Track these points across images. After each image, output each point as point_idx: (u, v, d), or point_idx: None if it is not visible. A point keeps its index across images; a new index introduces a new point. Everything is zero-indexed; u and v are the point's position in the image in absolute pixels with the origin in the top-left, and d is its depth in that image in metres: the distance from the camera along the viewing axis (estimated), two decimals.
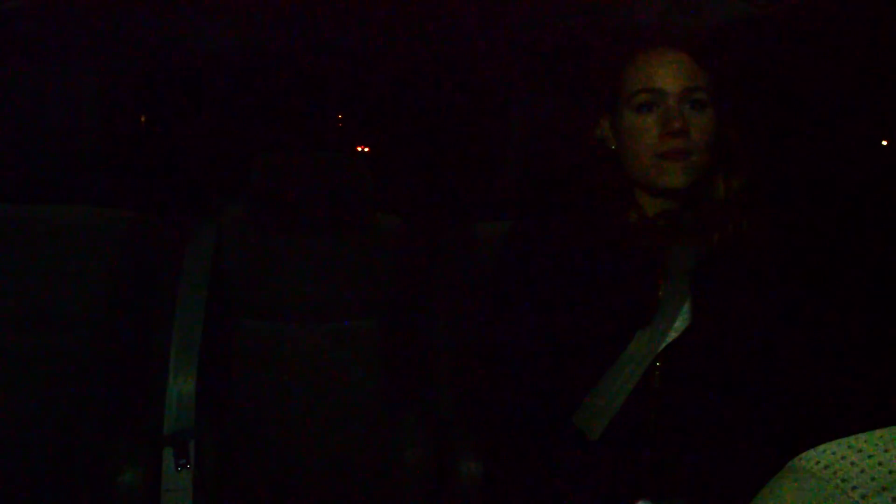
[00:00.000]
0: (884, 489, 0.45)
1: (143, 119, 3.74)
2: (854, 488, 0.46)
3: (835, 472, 0.47)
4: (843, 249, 1.96)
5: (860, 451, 0.48)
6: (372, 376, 1.91)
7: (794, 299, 1.36)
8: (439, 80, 3.05)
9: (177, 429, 1.76)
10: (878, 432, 0.50)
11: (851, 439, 0.50)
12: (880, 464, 0.47)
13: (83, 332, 1.68)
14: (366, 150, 4.24)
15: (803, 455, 0.51)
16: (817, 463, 0.49)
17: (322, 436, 1.89)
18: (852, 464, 0.47)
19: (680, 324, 1.33)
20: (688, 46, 1.28)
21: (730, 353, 1.33)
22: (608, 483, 1.27)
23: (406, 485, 1.92)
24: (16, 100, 1.73)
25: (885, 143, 2.34)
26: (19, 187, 1.74)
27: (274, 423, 1.88)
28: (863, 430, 0.51)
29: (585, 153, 1.41)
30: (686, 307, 1.34)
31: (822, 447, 0.50)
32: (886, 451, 0.48)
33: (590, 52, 2.01)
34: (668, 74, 1.28)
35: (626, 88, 1.31)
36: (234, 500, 1.87)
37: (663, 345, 1.32)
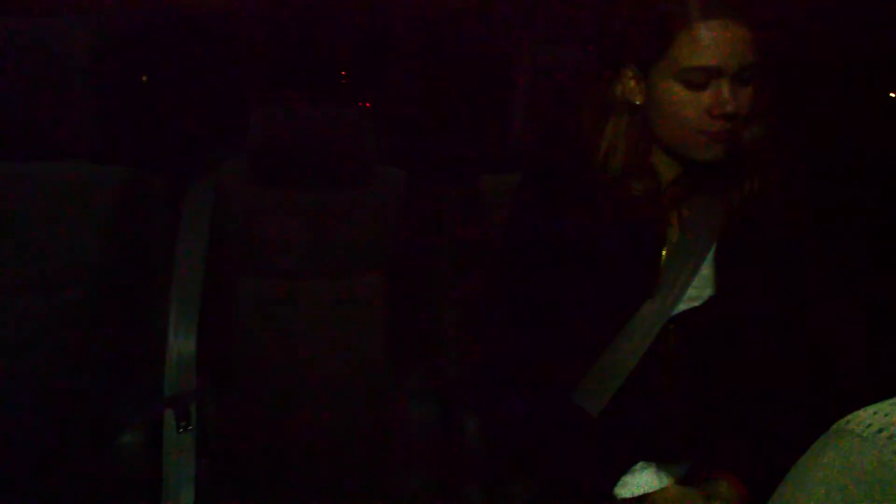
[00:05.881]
0: None
1: (144, 78, 3.68)
2: None
3: (889, 437, 0.42)
4: (873, 209, 1.90)
5: None
6: (376, 332, 1.88)
7: (820, 262, 1.31)
8: (443, 30, 2.98)
9: (177, 390, 1.73)
10: None
11: None
12: None
13: (79, 292, 1.64)
14: (367, 105, 4.18)
15: (850, 417, 0.45)
16: (869, 426, 0.43)
17: (326, 394, 1.87)
18: None
19: (696, 291, 1.28)
20: (749, 17, 1.16)
21: (753, 320, 1.29)
22: (607, 456, 1.23)
23: (411, 442, 1.90)
24: (10, 55, 1.68)
25: None
26: (12, 144, 1.69)
27: (277, 383, 1.85)
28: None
29: (599, 107, 1.33)
30: (708, 272, 1.29)
31: (871, 408, 0.45)
32: None
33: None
34: (727, 53, 1.16)
35: (677, 57, 1.18)
36: (237, 461, 1.85)
37: (675, 311, 1.27)
